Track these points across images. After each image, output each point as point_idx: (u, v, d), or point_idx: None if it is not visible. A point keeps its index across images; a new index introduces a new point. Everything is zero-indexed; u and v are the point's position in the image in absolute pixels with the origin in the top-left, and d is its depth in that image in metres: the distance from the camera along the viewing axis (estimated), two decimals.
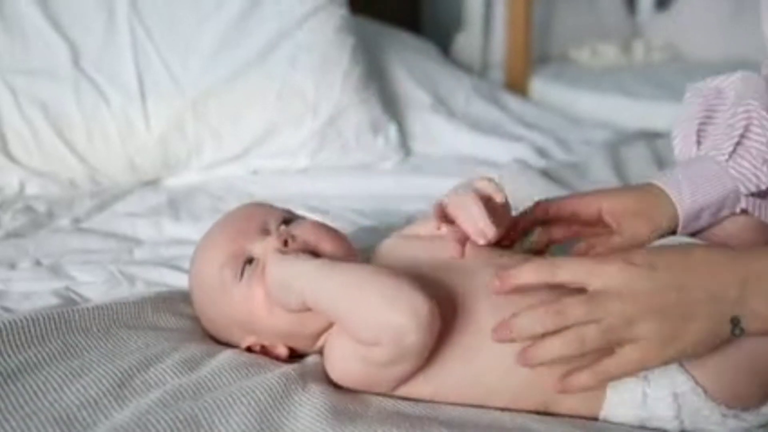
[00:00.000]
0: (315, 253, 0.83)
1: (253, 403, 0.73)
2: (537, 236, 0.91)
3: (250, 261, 0.83)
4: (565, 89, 2.19)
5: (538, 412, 0.78)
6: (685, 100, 0.93)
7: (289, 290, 0.78)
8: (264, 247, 0.83)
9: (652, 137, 1.73)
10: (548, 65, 2.39)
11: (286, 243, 0.83)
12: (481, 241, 0.77)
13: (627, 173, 1.44)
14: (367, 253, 0.92)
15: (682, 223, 0.85)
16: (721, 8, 2.50)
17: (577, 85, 2.21)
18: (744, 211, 0.86)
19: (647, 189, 0.88)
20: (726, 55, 2.34)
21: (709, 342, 0.71)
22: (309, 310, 0.79)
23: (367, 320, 0.75)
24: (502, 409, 0.78)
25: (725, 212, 0.87)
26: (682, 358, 0.73)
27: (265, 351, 0.84)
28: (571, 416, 0.77)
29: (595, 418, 0.77)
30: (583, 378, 0.74)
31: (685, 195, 0.85)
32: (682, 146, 0.92)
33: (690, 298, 0.70)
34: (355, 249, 0.89)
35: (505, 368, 0.76)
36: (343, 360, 0.79)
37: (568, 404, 0.77)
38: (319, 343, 0.84)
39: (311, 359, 0.84)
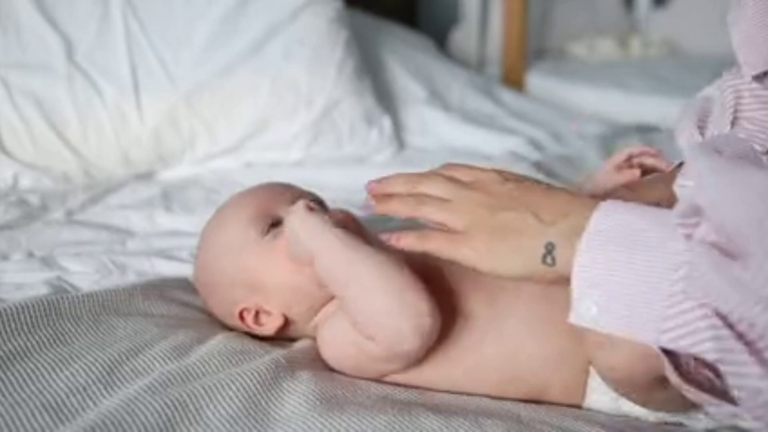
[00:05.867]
0: None
1: (241, 389, 0.73)
2: None
3: (275, 224, 0.84)
4: (561, 84, 2.19)
5: (523, 401, 0.78)
6: (680, 113, 0.93)
7: (303, 247, 0.79)
8: None
9: (646, 131, 1.73)
10: (545, 60, 2.39)
11: None
12: None
13: None
14: None
15: None
16: (718, 4, 2.49)
17: (574, 79, 2.21)
18: None
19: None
20: (723, 50, 2.32)
21: (522, 256, 0.69)
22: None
23: (372, 315, 0.75)
24: (491, 397, 0.78)
25: None
26: (499, 270, 0.70)
27: (258, 320, 0.85)
28: (555, 404, 0.78)
29: (579, 407, 0.78)
30: (409, 239, 0.74)
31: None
32: (686, 143, 0.91)
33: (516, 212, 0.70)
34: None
35: (491, 362, 0.78)
36: (339, 343, 0.80)
37: (552, 395, 0.78)
38: (316, 319, 0.84)
39: (300, 345, 0.85)
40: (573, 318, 0.64)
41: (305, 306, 0.84)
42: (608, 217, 0.64)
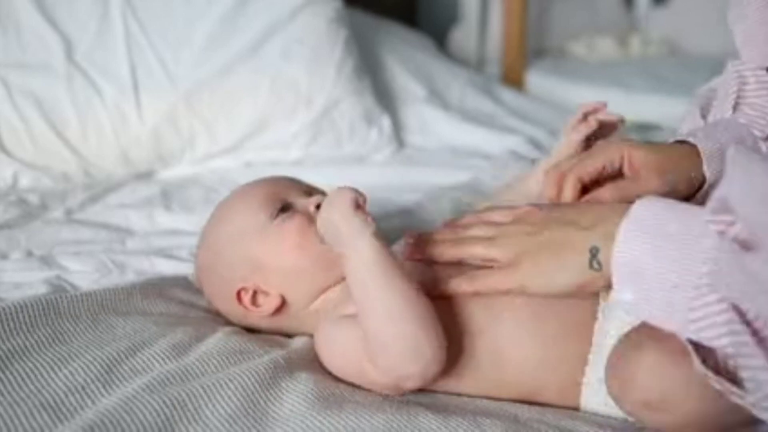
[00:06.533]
0: None
1: (240, 388, 0.73)
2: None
3: (285, 209, 0.85)
4: (561, 83, 2.19)
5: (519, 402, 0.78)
6: (687, 107, 0.96)
7: (337, 240, 0.78)
8: (305, 204, 0.85)
9: (646, 130, 1.73)
10: (545, 59, 2.39)
11: None
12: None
13: None
14: None
15: (707, 163, 0.82)
16: (718, 2, 2.49)
17: (574, 78, 2.21)
18: None
19: (675, 146, 0.86)
20: (723, 49, 2.32)
21: (571, 268, 0.72)
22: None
23: (387, 346, 0.74)
24: (486, 398, 0.78)
25: None
26: (553, 288, 0.74)
27: (255, 301, 0.85)
28: (550, 405, 0.78)
29: (574, 408, 0.78)
30: (459, 283, 0.78)
31: (701, 138, 0.84)
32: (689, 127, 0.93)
33: (558, 228, 0.74)
34: None
35: (487, 364, 0.78)
36: (339, 355, 0.79)
37: (547, 396, 0.78)
38: (317, 304, 0.84)
39: (298, 345, 0.84)
40: (611, 301, 0.68)
41: (306, 289, 0.84)
42: (645, 211, 0.67)
